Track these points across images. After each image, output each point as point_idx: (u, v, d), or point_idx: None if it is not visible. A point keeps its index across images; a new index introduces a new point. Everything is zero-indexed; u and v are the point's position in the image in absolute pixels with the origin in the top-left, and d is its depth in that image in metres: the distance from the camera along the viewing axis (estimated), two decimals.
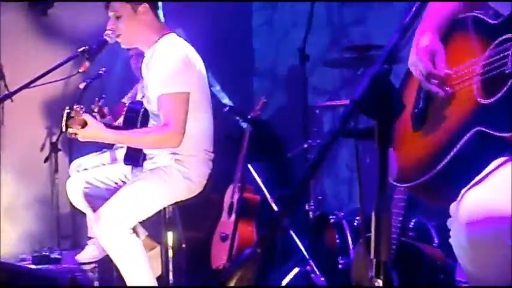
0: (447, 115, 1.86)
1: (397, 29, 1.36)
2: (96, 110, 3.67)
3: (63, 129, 3.08)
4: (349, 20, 4.83)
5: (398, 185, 1.96)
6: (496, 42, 1.72)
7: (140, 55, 4.44)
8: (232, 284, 1.11)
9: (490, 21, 1.81)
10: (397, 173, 1.95)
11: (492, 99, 1.68)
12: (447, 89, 1.85)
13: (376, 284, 1.29)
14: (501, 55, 1.68)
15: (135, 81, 4.66)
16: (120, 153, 3.73)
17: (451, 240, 1.64)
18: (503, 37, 1.70)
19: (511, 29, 1.68)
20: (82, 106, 3.10)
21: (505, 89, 1.63)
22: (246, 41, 5.77)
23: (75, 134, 3.08)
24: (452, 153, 1.76)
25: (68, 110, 3.07)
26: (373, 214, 1.28)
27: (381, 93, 1.27)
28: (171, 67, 3.16)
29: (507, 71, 1.64)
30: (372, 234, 1.28)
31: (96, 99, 4.24)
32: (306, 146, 3.99)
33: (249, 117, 4.14)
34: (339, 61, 4.32)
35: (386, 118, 1.27)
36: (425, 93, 1.98)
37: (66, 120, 3.07)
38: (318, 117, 4.21)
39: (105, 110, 4.27)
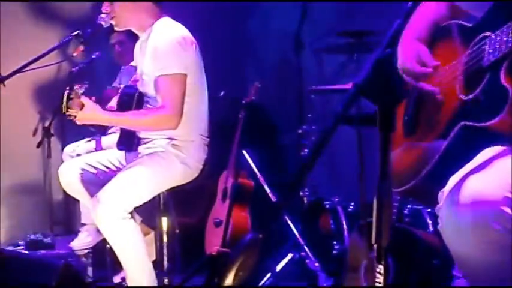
0: (436, 119, 1.91)
1: (400, 14, 1.37)
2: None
3: (63, 110, 3.04)
4: (344, 6, 4.80)
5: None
6: (475, 41, 1.78)
7: (124, 42, 4.44)
8: (235, 268, 1.10)
9: (469, 24, 1.88)
10: None
11: (473, 94, 1.73)
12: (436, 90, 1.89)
13: (377, 270, 1.30)
14: (478, 51, 1.74)
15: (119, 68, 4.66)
16: (114, 138, 3.71)
17: (439, 227, 1.66)
18: (481, 35, 1.75)
19: (487, 27, 1.73)
20: (85, 83, 3.05)
21: (484, 82, 1.69)
22: (240, 25, 5.74)
23: (74, 116, 3.05)
24: (440, 153, 1.80)
25: (68, 91, 3.03)
26: (374, 199, 1.28)
27: (383, 78, 1.27)
28: (168, 49, 3.15)
29: (484, 65, 1.69)
30: (374, 220, 1.28)
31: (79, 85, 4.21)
32: (300, 131, 3.98)
33: (243, 102, 4.12)
34: (334, 47, 4.31)
35: (389, 103, 1.27)
36: (415, 99, 2.03)
37: (67, 102, 3.03)
38: (312, 103, 4.20)
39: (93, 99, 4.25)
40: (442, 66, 1.92)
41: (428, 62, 1.93)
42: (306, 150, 3.92)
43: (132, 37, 3.59)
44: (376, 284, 1.28)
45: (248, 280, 1.17)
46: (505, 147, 1.67)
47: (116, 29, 3.37)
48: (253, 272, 1.16)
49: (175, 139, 3.26)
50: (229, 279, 1.13)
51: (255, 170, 4.02)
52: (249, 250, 1.14)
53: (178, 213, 3.79)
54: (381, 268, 1.28)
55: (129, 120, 3.23)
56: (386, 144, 1.28)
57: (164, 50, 3.16)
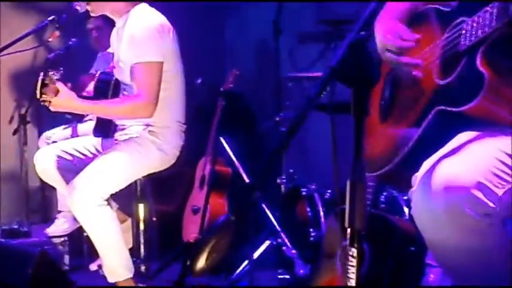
0: (411, 102, 1.91)
1: None
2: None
3: (37, 96, 3.00)
4: None
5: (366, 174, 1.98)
6: (451, 25, 1.78)
7: (101, 28, 4.41)
8: (207, 250, 1.10)
9: (445, 9, 1.88)
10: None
11: (449, 79, 1.73)
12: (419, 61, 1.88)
13: (350, 253, 1.30)
14: (454, 36, 1.75)
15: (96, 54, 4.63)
16: (90, 126, 3.69)
17: (412, 211, 1.67)
18: (458, 20, 1.76)
19: (464, 12, 1.74)
20: (60, 70, 3.01)
21: (460, 67, 1.69)
22: (218, 12, 5.71)
23: (49, 102, 3.01)
24: (415, 138, 1.81)
25: (43, 77, 2.99)
26: (348, 183, 1.28)
27: (358, 61, 1.27)
28: (144, 36, 3.13)
29: (460, 50, 1.70)
30: (347, 203, 1.28)
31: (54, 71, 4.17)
32: (278, 119, 3.98)
33: (221, 89, 4.11)
34: (312, 35, 4.30)
35: (363, 86, 1.27)
36: (391, 83, 2.04)
37: (41, 87, 2.99)
38: (290, 90, 4.19)
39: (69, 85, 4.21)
40: (420, 50, 1.92)
41: (408, 37, 1.92)
42: None
43: (109, 22, 3.56)
44: (349, 267, 1.28)
45: (221, 263, 1.16)
46: (479, 132, 1.67)
47: (92, 14, 3.34)
48: (226, 255, 1.15)
49: (151, 125, 3.25)
50: (201, 262, 1.12)
51: (233, 157, 4.02)
52: (222, 232, 1.14)
53: (155, 200, 3.79)
54: (354, 251, 1.28)
55: (104, 108, 3.21)
56: (360, 127, 1.28)
57: (141, 37, 3.14)
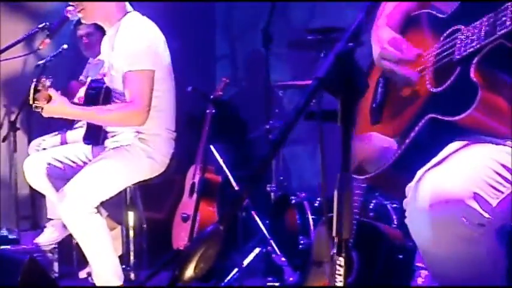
0: (403, 106, 1.91)
1: (362, 9, 1.37)
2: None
3: (30, 102, 3.00)
4: (312, 3, 4.82)
5: (356, 177, 1.99)
6: (446, 33, 1.79)
7: (91, 34, 4.41)
8: (195, 260, 1.11)
9: (440, 15, 1.88)
10: (355, 165, 1.97)
11: (442, 87, 1.73)
12: (418, 71, 1.88)
13: (338, 262, 1.30)
14: (449, 44, 1.75)
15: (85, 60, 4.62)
16: (80, 133, 3.69)
17: (406, 221, 1.66)
18: (452, 28, 1.76)
19: (459, 20, 1.74)
20: (49, 78, 3.02)
21: (453, 76, 1.69)
22: (208, 22, 5.73)
23: (42, 108, 3.02)
24: (406, 143, 1.80)
25: (35, 83, 3.00)
26: (335, 192, 1.29)
27: (345, 71, 1.27)
28: (137, 44, 3.15)
29: (454, 59, 1.70)
30: (334, 213, 1.29)
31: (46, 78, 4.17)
32: (267, 127, 3.99)
33: (211, 97, 4.13)
34: (302, 43, 4.32)
35: (350, 96, 1.28)
36: (383, 86, 2.04)
37: (34, 93, 3.00)
38: (280, 98, 4.21)
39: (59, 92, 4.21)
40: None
41: (408, 51, 1.91)
42: None
43: (100, 29, 3.57)
44: (337, 276, 1.29)
45: (209, 272, 1.17)
46: (472, 142, 1.67)
47: (83, 21, 3.35)
48: (215, 264, 1.16)
49: (142, 133, 3.26)
50: (189, 271, 1.13)
51: (223, 165, 4.02)
52: (210, 241, 1.14)
53: (145, 207, 3.79)
54: (341, 260, 1.29)
55: (97, 114, 3.21)
56: (347, 138, 1.29)
57: (133, 46, 3.15)
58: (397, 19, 2.05)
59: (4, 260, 3.02)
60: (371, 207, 3.16)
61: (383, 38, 1.96)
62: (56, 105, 3.04)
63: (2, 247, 4.15)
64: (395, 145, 1.85)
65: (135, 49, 3.15)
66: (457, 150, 1.66)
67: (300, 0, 4.80)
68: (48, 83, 3.01)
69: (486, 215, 1.54)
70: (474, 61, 1.62)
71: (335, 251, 1.30)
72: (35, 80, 3.00)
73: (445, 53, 1.76)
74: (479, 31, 1.62)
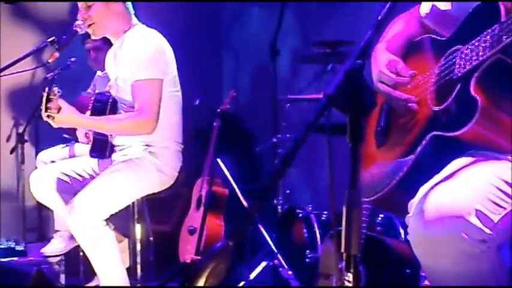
0: (407, 128, 1.94)
1: (370, 26, 1.39)
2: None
3: (43, 111, 3.02)
4: (319, 16, 4.84)
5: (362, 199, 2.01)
6: (447, 54, 1.82)
7: (99, 48, 4.42)
8: (204, 276, 1.11)
9: (440, 38, 1.92)
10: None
11: (443, 105, 1.76)
12: (416, 93, 1.91)
13: (346, 278, 1.31)
14: (449, 63, 1.78)
15: (91, 74, 4.64)
16: (87, 146, 3.70)
17: (409, 237, 1.67)
18: (453, 48, 1.79)
19: (459, 41, 1.77)
20: (59, 90, 3.04)
21: (454, 93, 1.72)
22: (215, 34, 5.76)
23: (53, 117, 3.04)
24: (410, 163, 1.82)
25: (48, 91, 3.02)
26: (344, 208, 1.30)
27: (354, 88, 1.28)
28: (144, 54, 3.16)
29: (455, 77, 1.73)
30: (343, 229, 1.30)
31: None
32: (275, 140, 4.00)
33: (218, 110, 4.14)
34: (309, 56, 4.33)
35: (359, 113, 1.29)
36: (387, 110, 2.07)
37: (46, 103, 3.02)
38: (287, 111, 4.22)
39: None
40: (415, 79, 1.95)
41: (405, 73, 1.96)
42: None
43: (107, 42, 3.59)
44: None
45: (219, 285, 1.18)
46: (474, 158, 1.69)
47: (92, 37, 3.37)
48: (224, 280, 1.17)
49: (151, 146, 3.27)
50: (199, 286, 1.14)
51: (230, 178, 4.03)
52: (220, 257, 1.15)
53: (152, 220, 3.79)
54: (349, 276, 1.30)
55: (106, 124, 3.22)
56: (356, 154, 1.30)
57: (141, 55, 3.16)
58: (399, 45, 2.09)
59: (11, 271, 3.03)
60: (378, 221, 3.16)
61: (381, 62, 2.00)
62: (65, 115, 3.06)
63: (9, 259, 4.17)
64: (400, 166, 1.86)
65: (143, 58, 3.16)
66: (459, 166, 1.67)
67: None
68: (58, 94, 3.04)
69: (487, 231, 1.55)
70: (474, 77, 1.64)
71: (343, 266, 1.31)
72: (47, 88, 3.02)
73: (446, 72, 1.79)
74: (477, 48, 1.65)
